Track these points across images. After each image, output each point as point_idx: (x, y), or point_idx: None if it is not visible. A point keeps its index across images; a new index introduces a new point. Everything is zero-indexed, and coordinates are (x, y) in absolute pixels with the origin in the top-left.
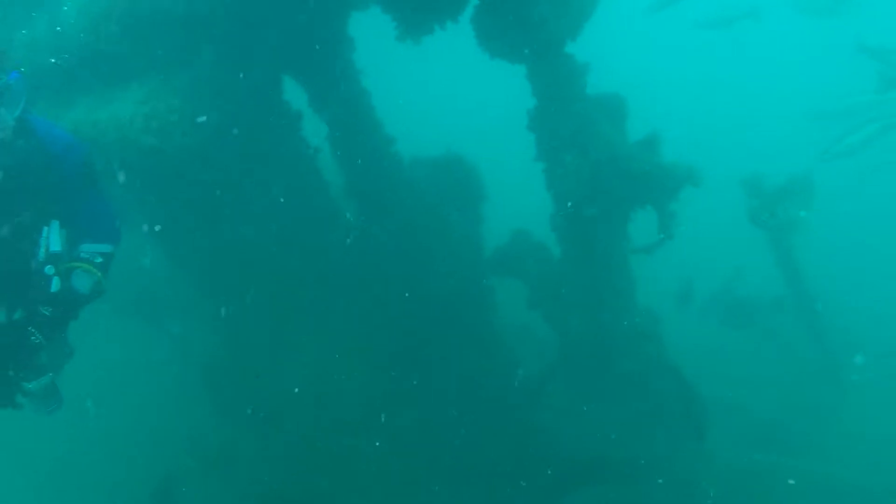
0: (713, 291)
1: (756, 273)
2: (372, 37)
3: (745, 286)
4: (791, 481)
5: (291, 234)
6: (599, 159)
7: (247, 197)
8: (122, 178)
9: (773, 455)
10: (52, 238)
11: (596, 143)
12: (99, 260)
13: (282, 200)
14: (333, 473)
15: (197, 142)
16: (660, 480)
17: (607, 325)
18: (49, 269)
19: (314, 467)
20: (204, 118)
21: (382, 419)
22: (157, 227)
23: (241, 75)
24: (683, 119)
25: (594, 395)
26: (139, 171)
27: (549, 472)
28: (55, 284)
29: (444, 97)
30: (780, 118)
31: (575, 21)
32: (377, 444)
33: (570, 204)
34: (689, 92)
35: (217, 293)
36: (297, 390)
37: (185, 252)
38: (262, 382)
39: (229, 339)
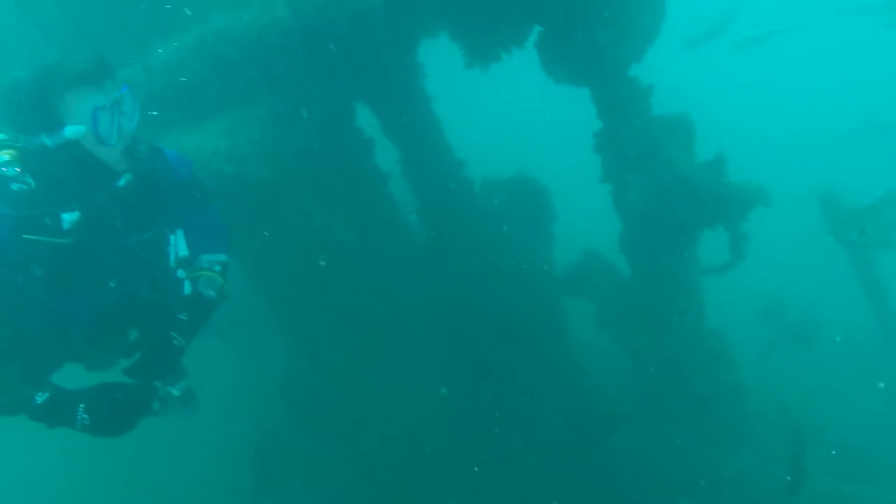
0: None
1: (825, 292)
2: (442, 63)
3: (818, 307)
4: None
5: (364, 258)
6: (666, 180)
7: (322, 222)
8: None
9: (854, 484)
10: (180, 244)
11: (662, 163)
12: (218, 268)
13: (355, 223)
14: (405, 486)
15: (276, 171)
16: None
17: (677, 345)
18: (181, 273)
19: (386, 481)
20: None
21: (454, 436)
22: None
23: (316, 107)
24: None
25: (667, 415)
26: (222, 198)
27: (623, 489)
28: (187, 287)
29: (513, 120)
30: (840, 133)
31: (638, 44)
32: (449, 460)
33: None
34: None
35: (294, 314)
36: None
37: (265, 274)
38: (339, 399)
39: (306, 361)
